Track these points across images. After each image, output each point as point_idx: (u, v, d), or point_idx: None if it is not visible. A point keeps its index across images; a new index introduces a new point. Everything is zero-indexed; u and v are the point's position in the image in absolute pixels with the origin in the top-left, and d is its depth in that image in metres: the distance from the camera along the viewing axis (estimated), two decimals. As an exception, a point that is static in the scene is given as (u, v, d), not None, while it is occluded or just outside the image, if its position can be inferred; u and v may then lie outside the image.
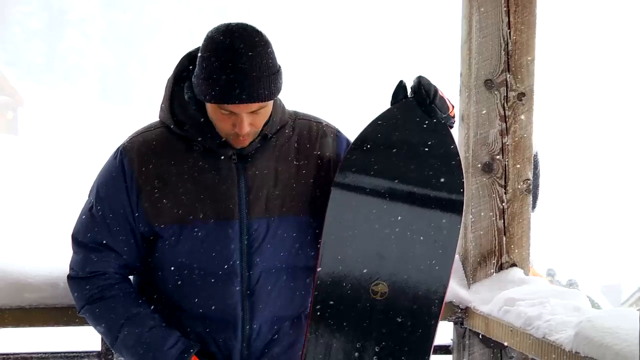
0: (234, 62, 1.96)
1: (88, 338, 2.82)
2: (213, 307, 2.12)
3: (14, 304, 2.45)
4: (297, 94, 59.84)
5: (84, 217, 2.18)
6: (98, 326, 2.18)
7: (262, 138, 2.13)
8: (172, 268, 2.13)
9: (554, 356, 2.12)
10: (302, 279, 2.20)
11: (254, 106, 2.01)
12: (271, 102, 2.07)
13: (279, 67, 2.04)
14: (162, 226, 2.11)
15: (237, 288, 2.11)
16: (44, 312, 2.47)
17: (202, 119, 2.10)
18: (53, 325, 2.49)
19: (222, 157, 2.12)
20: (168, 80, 2.17)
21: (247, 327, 2.13)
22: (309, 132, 2.22)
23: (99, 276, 2.15)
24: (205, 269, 2.11)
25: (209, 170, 2.11)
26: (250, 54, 1.97)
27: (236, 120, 2.02)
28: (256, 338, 2.15)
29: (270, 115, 2.12)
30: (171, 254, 2.12)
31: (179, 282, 2.13)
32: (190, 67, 2.12)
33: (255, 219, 2.11)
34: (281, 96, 2.14)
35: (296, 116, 2.25)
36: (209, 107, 2.06)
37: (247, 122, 2.02)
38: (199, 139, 2.10)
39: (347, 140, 2.27)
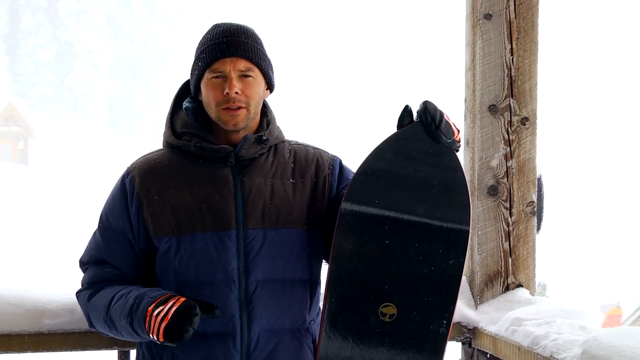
0: (225, 32, 2.19)
1: (105, 362, 2.87)
2: (213, 319, 2.13)
3: (33, 330, 2.50)
4: (301, 120, 59.90)
5: (88, 242, 2.28)
6: (98, 316, 2.19)
7: (259, 142, 2.22)
8: (172, 281, 2.17)
9: (561, 374, 2.15)
10: (299, 291, 2.22)
11: (241, 64, 2.16)
12: (261, 80, 2.20)
13: (269, 58, 2.24)
14: (161, 238, 2.17)
15: (235, 296, 2.14)
16: (62, 337, 2.51)
17: (200, 127, 2.22)
18: (71, 350, 2.53)
19: (220, 166, 2.19)
20: (170, 105, 2.30)
21: (246, 337, 2.15)
22: (306, 155, 2.32)
23: (100, 282, 2.23)
24: (204, 278, 2.15)
25: (207, 182, 2.19)
26: (241, 28, 2.21)
27: (226, 86, 2.15)
28: (255, 349, 2.16)
29: (269, 124, 2.27)
30: (170, 266, 2.17)
31: None
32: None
33: (252, 229, 2.17)
34: (282, 118, 2.23)
35: (296, 143, 2.36)
36: (204, 85, 2.19)
37: (236, 84, 2.15)
38: (198, 145, 2.19)
39: (347, 168, 2.34)
